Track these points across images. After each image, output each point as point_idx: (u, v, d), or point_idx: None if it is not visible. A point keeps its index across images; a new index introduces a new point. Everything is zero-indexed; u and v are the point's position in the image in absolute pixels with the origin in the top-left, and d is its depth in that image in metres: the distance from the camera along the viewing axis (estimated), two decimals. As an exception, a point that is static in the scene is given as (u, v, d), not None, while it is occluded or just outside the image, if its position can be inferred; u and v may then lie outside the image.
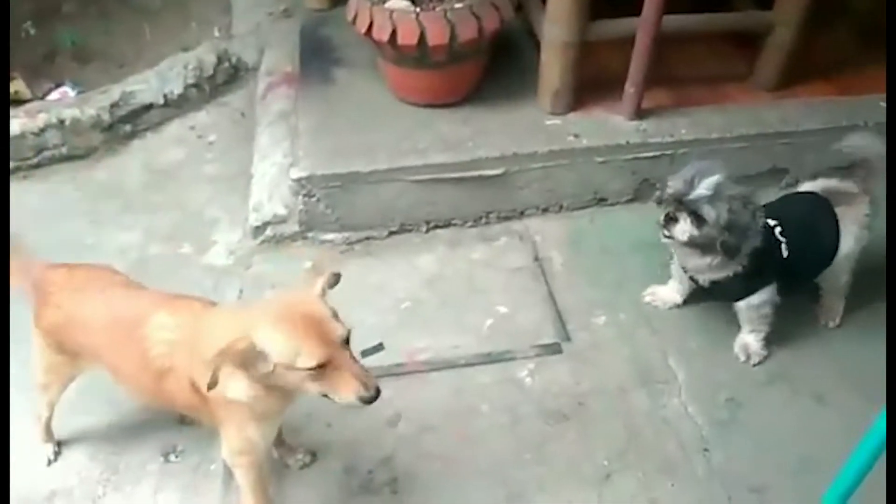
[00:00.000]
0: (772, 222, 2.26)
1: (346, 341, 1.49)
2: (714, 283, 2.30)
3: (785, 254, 2.26)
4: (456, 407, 2.30)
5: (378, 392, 1.49)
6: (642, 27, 2.60)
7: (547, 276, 2.75)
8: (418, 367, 2.41)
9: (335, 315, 1.51)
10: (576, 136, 2.84)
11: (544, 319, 2.59)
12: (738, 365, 2.43)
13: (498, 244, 2.90)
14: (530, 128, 2.88)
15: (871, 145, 2.35)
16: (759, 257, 2.20)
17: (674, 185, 2.16)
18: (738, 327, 2.45)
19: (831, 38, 3.32)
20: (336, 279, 1.59)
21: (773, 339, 2.47)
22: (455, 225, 2.95)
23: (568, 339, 2.52)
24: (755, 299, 2.30)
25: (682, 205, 2.11)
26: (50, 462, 2.14)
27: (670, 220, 2.14)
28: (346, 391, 1.47)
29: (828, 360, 2.44)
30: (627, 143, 2.83)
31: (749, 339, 2.43)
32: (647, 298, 2.62)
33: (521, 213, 2.98)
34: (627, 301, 2.63)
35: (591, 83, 2.98)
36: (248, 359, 1.45)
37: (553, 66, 2.80)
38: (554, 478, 2.12)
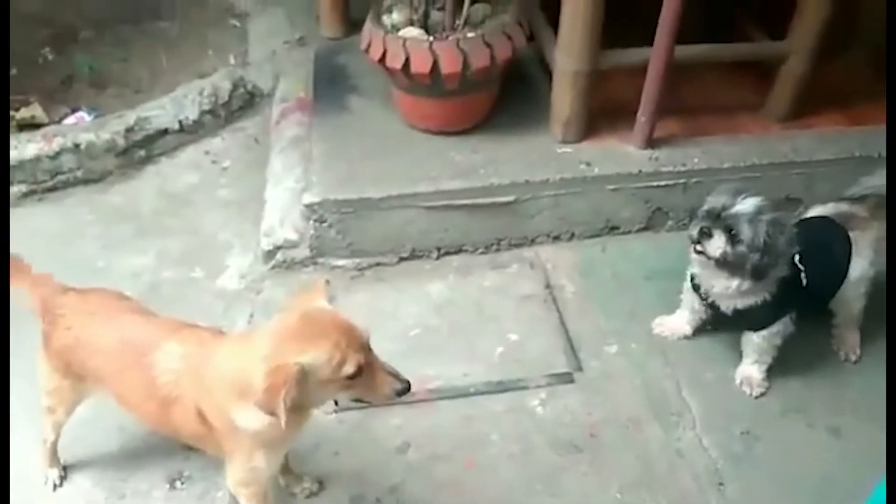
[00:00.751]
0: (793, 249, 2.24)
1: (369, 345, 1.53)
2: (738, 311, 2.25)
3: (804, 282, 2.23)
4: (466, 435, 2.27)
5: (409, 382, 1.57)
6: (654, 57, 2.61)
7: (558, 304, 2.73)
8: (428, 395, 2.38)
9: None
10: (587, 164, 2.84)
11: (556, 348, 2.56)
12: (752, 397, 2.39)
13: (509, 271, 2.88)
14: (542, 156, 2.88)
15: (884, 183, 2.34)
16: (785, 286, 2.18)
17: (713, 200, 2.12)
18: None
19: (844, 68, 3.32)
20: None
21: (788, 371, 2.44)
22: (466, 252, 2.94)
23: (580, 368, 2.49)
24: (773, 329, 2.27)
25: (718, 220, 2.08)
26: (55, 487, 2.12)
27: (704, 234, 2.10)
28: (383, 389, 1.54)
29: (843, 392, 2.40)
30: (640, 171, 2.83)
31: (752, 371, 2.39)
32: (657, 329, 2.59)
33: (533, 241, 2.97)
34: (640, 330, 2.60)
35: (603, 112, 2.99)
36: (301, 384, 1.42)
37: (564, 94, 2.81)
38: (566, 510, 2.08)
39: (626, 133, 2.92)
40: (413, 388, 2.34)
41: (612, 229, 2.99)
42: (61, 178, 3.17)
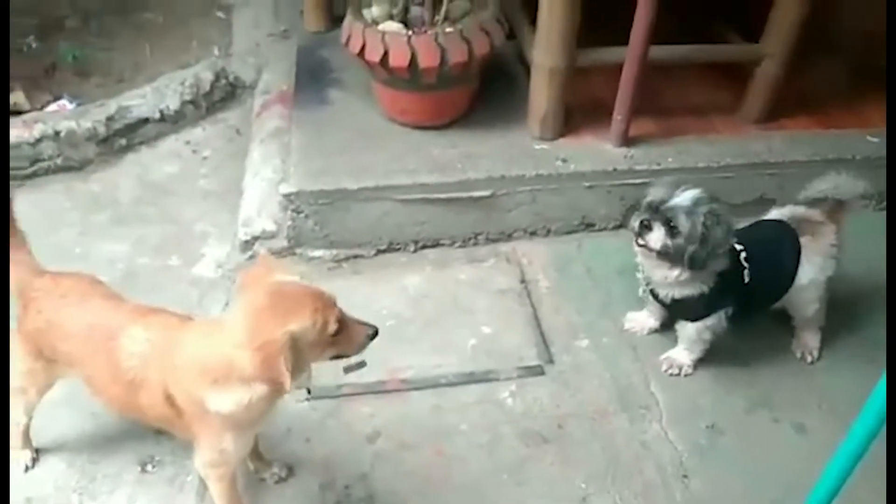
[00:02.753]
0: (738, 247, 2.29)
1: None
2: (675, 300, 2.31)
3: (746, 279, 2.29)
4: (436, 425, 2.30)
5: (376, 327, 1.69)
6: (630, 56, 2.65)
7: (532, 298, 2.76)
8: (400, 385, 2.41)
9: None
10: (563, 161, 2.88)
11: (528, 341, 2.60)
12: (720, 392, 2.44)
13: (485, 266, 2.92)
14: (519, 152, 2.91)
15: (844, 187, 2.37)
16: (723, 279, 2.23)
17: (653, 193, 2.19)
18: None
19: (819, 72, 3.38)
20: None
21: (755, 368, 2.50)
22: (443, 245, 2.97)
23: (551, 361, 2.52)
24: (707, 322, 2.32)
25: (658, 213, 2.14)
26: (27, 469, 2.13)
27: (645, 227, 2.16)
28: (359, 338, 1.64)
29: (809, 390, 2.44)
30: (615, 169, 2.87)
31: (681, 356, 2.45)
32: (627, 325, 2.63)
33: (509, 236, 3.00)
34: (611, 326, 2.64)
35: (581, 110, 3.03)
36: (295, 352, 1.48)
37: (541, 91, 2.84)
38: (531, 499, 2.11)
39: (603, 131, 2.96)
40: (385, 378, 2.42)
41: (588, 226, 3.03)
42: (41, 164, 3.18)
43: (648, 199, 2.19)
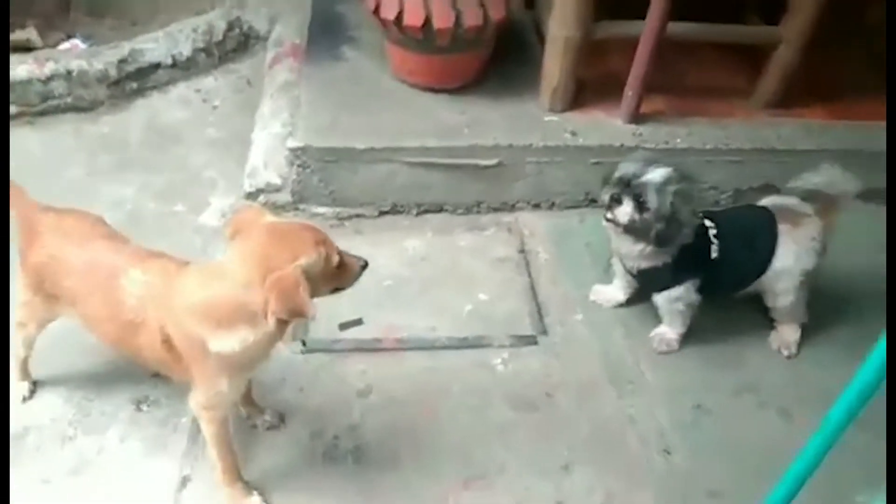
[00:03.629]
0: (709, 223, 2.33)
1: None
2: (641, 271, 2.36)
3: (714, 254, 2.32)
4: (427, 385, 2.34)
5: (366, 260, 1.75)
6: (646, 31, 2.63)
7: (531, 269, 2.78)
8: (394, 344, 2.44)
9: None
10: (572, 133, 2.87)
11: (523, 311, 2.62)
12: (708, 374, 2.46)
13: (486, 234, 2.93)
14: (528, 122, 2.91)
15: (837, 184, 2.38)
16: (687, 252, 2.27)
17: (624, 168, 2.20)
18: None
19: (839, 61, 3.34)
20: None
21: (746, 352, 2.53)
22: (446, 211, 2.98)
23: (544, 332, 2.55)
24: (674, 293, 2.36)
25: (628, 188, 2.16)
26: (24, 399, 2.18)
27: (615, 201, 2.19)
28: (354, 269, 1.71)
29: (798, 379, 2.46)
30: (622, 145, 2.86)
31: (666, 331, 2.49)
32: (592, 297, 2.66)
33: (513, 207, 3.01)
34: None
35: (593, 84, 3.02)
36: (311, 273, 1.53)
37: (555, 61, 2.83)
38: (515, 463, 2.15)
39: (614, 107, 2.95)
40: (380, 336, 2.45)
41: (592, 201, 3.03)
42: (52, 103, 3.18)
43: (619, 173, 2.21)
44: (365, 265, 1.74)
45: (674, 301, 2.38)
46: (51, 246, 1.84)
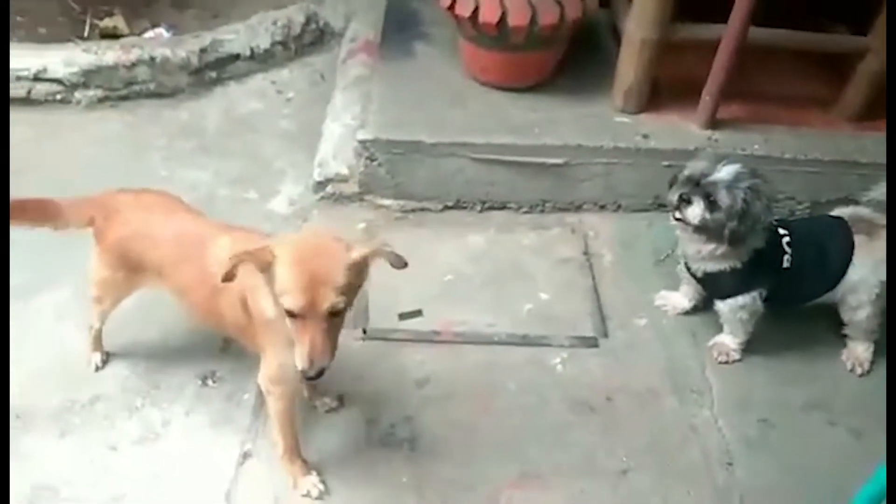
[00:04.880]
0: (783, 231, 2.26)
1: (334, 314, 1.49)
2: (708, 274, 2.29)
3: (786, 264, 2.24)
4: (484, 381, 2.33)
5: (318, 376, 1.52)
6: (727, 34, 2.57)
7: (594, 271, 2.75)
8: (452, 337, 2.45)
9: (346, 287, 1.49)
10: (644, 136, 2.82)
11: (585, 313, 2.59)
12: (776, 388, 2.39)
13: (550, 234, 2.91)
14: (599, 122, 2.87)
15: None
16: (759, 258, 2.20)
17: (693, 167, 2.16)
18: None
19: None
20: (394, 259, 1.59)
21: (817, 368, 2.44)
22: (510, 209, 2.97)
23: (606, 335, 2.51)
24: (739, 300, 2.28)
25: (698, 187, 2.11)
26: (97, 368, 2.27)
27: (684, 201, 2.14)
28: (297, 353, 1.51)
29: (872, 397, 2.36)
30: (696, 149, 2.77)
31: (726, 339, 2.41)
32: (658, 302, 2.60)
33: (578, 207, 2.97)
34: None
35: (668, 87, 2.96)
36: (262, 267, 1.51)
37: (630, 62, 2.78)
38: (570, 464, 2.13)
39: (690, 111, 2.88)
40: (439, 329, 2.46)
41: (660, 206, 2.95)
42: (135, 88, 3.31)
43: (688, 172, 2.16)
44: (306, 376, 1.54)
45: (738, 309, 2.31)
46: (134, 221, 1.92)
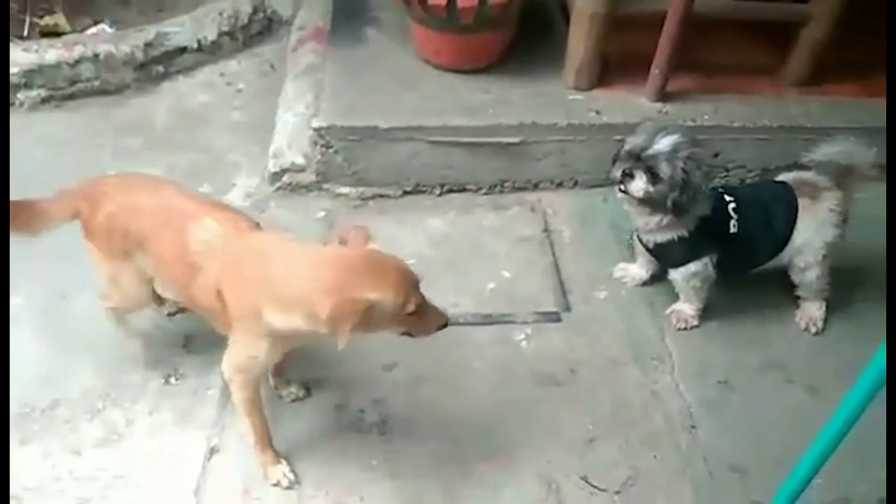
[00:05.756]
0: (728, 197, 2.31)
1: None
2: (658, 245, 2.35)
3: (733, 230, 2.30)
4: (451, 361, 2.34)
5: (448, 318, 1.74)
6: (673, 7, 2.60)
7: (554, 248, 2.78)
8: (417, 320, 2.45)
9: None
10: (597, 112, 2.86)
11: (546, 289, 2.62)
12: (734, 351, 2.45)
13: (509, 213, 2.93)
14: (552, 100, 2.89)
15: (852, 153, 2.33)
16: (705, 224, 2.25)
17: (633, 141, 2.20)
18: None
19: (871, 39, 3.27)
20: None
21: (771, 329, 2.50)
22: (469, 191, 2.98)
23: (568, 309, 2.54)
24: (691, 268, 2.34)
25: (639, 161, 2.15)
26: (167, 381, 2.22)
27: (627, 175, 2.18)
28: (431, 324, 1.71)
29: (827, 355, 2.44)
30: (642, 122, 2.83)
31: (684, 307, 2.47)
32: (617, 274, 2.65)
33: (536, 186, 3.00)
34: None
35: (618, 62, 2.99)
36: (366, 318, 1.53)
37: (579, 39, 2.81)
38: (538, 436, 2.16)
39: (639, 85, 2.92)
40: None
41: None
42: (80, 86, 3.23)
43: (628, 146, 2.21)
44: (444, 325, 1.73)
45: (691, 277, 2.37)
46: (120, 196, 1.86)
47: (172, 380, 2.23)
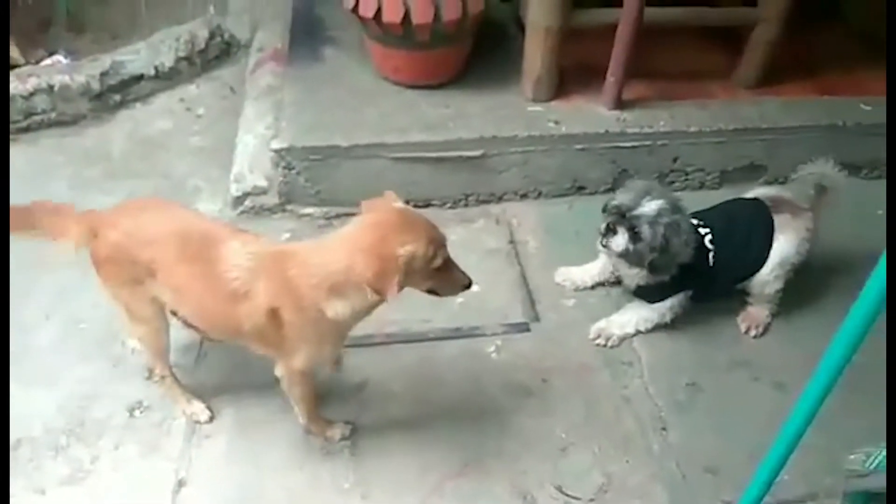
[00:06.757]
0: (704, 231, 2.34)
1: None
2: (640, 286, 2.40)
3: (711, 263, 2.34)
4: (422, 376, 2.34)
5: (471, 281, 1.80)
6: (624, 17, 2.64)
7: (521, 258, 2.79)
8: (386, 338, 2.44)
9: None
10: (556, 122, 2.88)
11: (515, 300, 2.62)
12: (701, 352, 2.47)
13: (475, 226, 2.93)
14: (511, 113, 2.92)
15: (829, 177, 2.41)
16: (685, 270, 2.29)
17: (620, 198, 2.24)
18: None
19: (818, 38, 3.36)
20: None
21: (739, 331, 2.53)
22: (434, 205, 2.98)
23: (537, 319, 2.55)
24: (667, 303, 2.40)
25: (623, 219, 2.20)
26: (210, 419, 2.18)
27: (610, 230, 2.23)
28: (457, 282, 1.78)
29: (793, 352, 2.46)
30: (606, 131, 2.87)
31: (614, 327, 2.48)
32: (558, 279, 2.67)
33: (500, 198, 3.01)
34: (598, 286, 2.66)
35: (574, 73, 3.03)
36: (409, 269, 1.60)
37: (536, 51, 2.84)
38: (511, 447, 2.15)
39: (596, 94, 2.96)
40: (372, 332, 2.45)
41: (580, 189, 3.04)
42: (35, 118, 3.19)
43: (615, 202, 2.25)
44: (468, 285, 1.79)
45: (668, 311, 2.42)
46: (125, 223, 1.78)
47: (137, 413, 2.19)
